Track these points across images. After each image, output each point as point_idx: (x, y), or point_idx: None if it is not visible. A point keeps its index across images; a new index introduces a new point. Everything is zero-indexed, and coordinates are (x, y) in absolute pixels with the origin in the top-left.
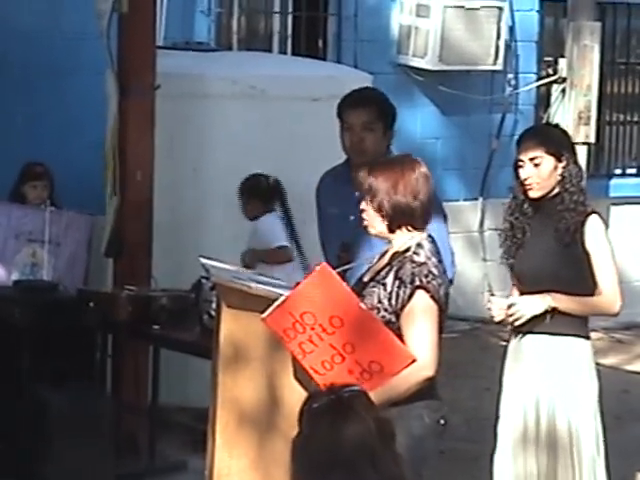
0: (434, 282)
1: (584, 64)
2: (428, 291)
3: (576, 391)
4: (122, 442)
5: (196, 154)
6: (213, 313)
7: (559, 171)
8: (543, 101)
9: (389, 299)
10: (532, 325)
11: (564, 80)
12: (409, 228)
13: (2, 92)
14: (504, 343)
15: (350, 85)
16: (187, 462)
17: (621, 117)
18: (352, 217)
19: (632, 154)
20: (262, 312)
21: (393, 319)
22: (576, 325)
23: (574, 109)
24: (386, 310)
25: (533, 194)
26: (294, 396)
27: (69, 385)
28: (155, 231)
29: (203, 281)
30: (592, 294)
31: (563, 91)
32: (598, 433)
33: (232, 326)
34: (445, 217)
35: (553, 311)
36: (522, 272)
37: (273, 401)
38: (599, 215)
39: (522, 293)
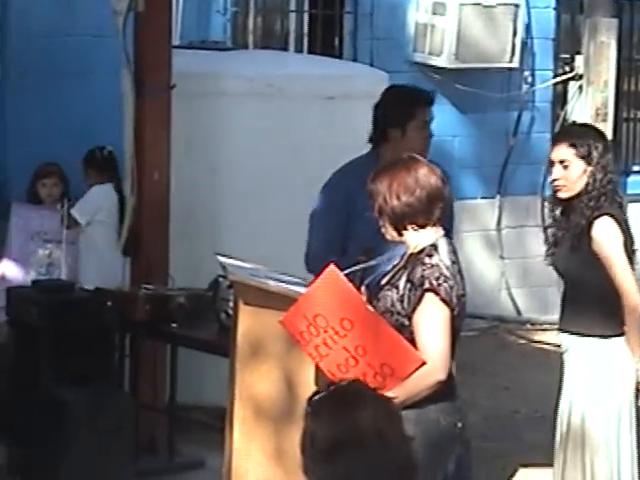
0: (445, 285)
1: (601, 61)
2: (438, 294)
3: (608, 388)
4: (141, 441)
5: (213, 153)
6: (230, 311)
7: (588, 174)
8: (560, 98)
9: (401, 302)
10: (571, 325)
11: (581, 77)
12: (415, 227)
13: (18, 93)
14: (522, 341)
15: (366, 84)
16: (205, 460)
17: (638, 114)
18: None
19: None
20: (279, 309)
21: (406, 322)
22: (604, 325)
23: (591, 106)
24: (399, 313)
25: (561, 195)
26: (311, 393)
27: (87, 384)
28: (172, 230)
29: (220, 279)
30: (613, 293)
31: (580, 88)
32: (632, 426)
33: (249, 323)
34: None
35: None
36: (555, 270)
37: (290, 397)
38: (613, 217)
39: (564, 289)
